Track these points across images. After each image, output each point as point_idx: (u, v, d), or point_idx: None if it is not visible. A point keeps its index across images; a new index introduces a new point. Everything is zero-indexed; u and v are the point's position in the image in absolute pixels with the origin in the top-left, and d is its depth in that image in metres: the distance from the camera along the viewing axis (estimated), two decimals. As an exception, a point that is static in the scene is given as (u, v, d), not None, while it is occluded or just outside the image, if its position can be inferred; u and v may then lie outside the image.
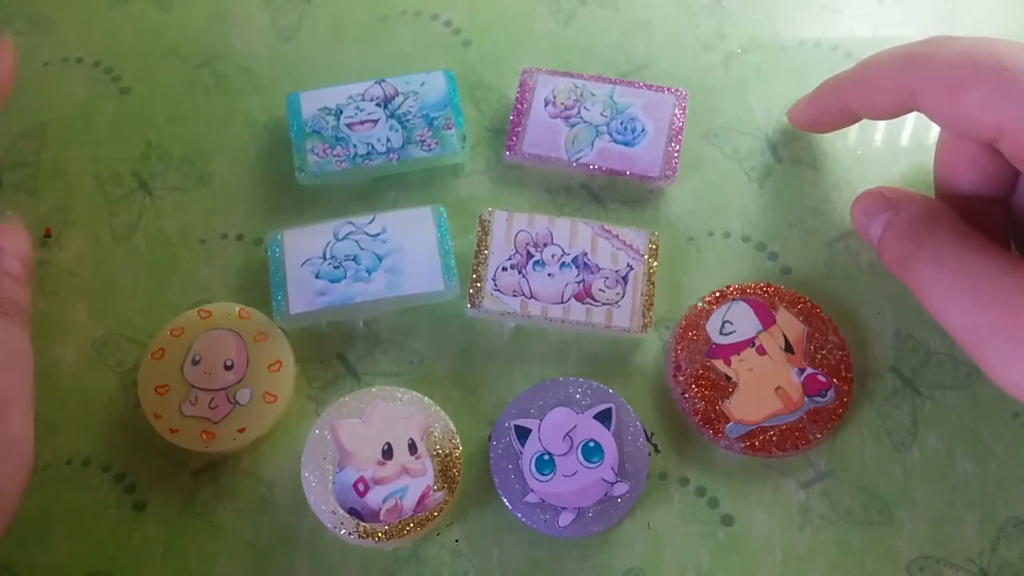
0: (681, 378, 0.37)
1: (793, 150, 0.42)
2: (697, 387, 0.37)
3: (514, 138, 0.41)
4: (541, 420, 0.36)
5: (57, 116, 0.43)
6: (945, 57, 0.33)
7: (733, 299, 0.38)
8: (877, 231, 0.36)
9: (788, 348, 0.37)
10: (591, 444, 0.35)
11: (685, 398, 0.37)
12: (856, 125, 0.43)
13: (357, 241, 0.38)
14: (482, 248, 0.38)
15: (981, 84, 0.32)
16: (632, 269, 0.38)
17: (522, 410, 0.36)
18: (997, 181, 0.36)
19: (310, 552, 0.36)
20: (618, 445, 0.35)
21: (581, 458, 0.35)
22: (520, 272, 0.38)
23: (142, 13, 0.46)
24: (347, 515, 0.34)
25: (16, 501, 0.32)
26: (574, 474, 0.35)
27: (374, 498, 0.34)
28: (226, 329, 0.37)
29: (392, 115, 0.41)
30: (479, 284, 0.37)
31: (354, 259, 0.38)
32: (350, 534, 0.34)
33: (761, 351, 0.37)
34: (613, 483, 0.35)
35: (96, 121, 0.43)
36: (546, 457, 0.35)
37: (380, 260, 0.38)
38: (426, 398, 0.36)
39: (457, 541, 0.36)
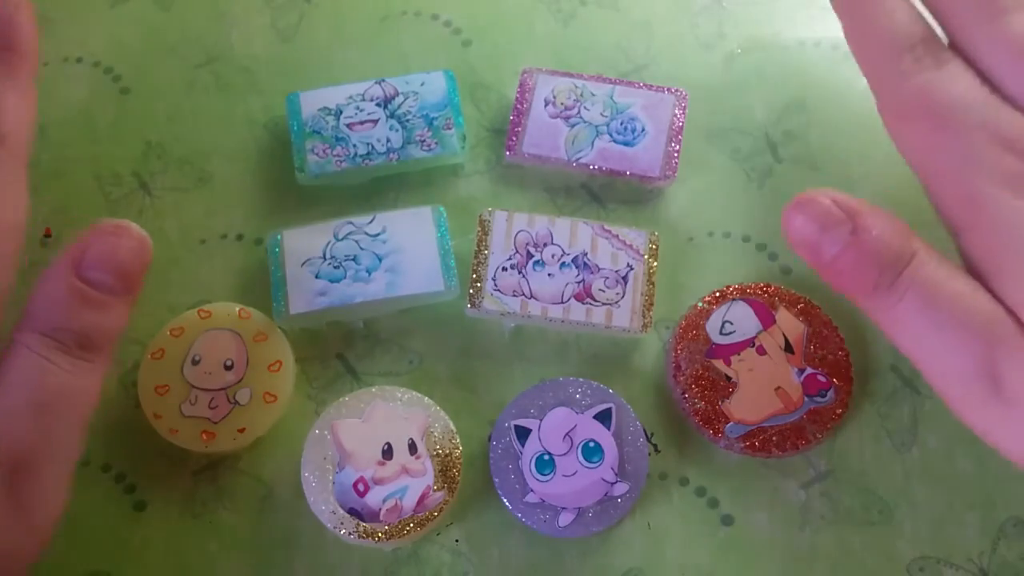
0: (681, 378, 0.37)
1: (793, 150, 0.42)
2: (697, 387, 0.37)
3: (514, 138, 0.41)
4: (541, 420, 0.36)
5: (57, 116, 0.43)
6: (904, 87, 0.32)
7: (733, 299, 0.38)
8: (832, 249, 0.30)
9: (788, 348, 0.37)
10: (591, 444, 0.35)
11: (685, 398, 0.37)
12: (855, 124, 0.43)
13: (357, 241, 0.38)
14: (482, 248, 0.38)
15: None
16: (632, 269, 0.38)
17: (522, 410, 0.36)
18: None
19: (310, 552, 0.36)
20: (618, 445, 0.35)
21: (581, 458, 0.35)
22: (520, 272, 0.38)
23: (142, 13, 0.46)
24: (347, 515, 0.34)
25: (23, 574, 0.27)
26: (574, 474, 0.35)
27: (374, 498, 0.34)
28: (226, 329, 0.37)
29: (392, 115, 0.41)
30: (479, 284, 0.37)
31: (354, 259, 0.38)
32: (350, 534, 0.34)
33: (761, 351, 0.37)
34: (613, 483, 0.35)
35: (96, 121, 0.43)
36: (546, 457, 0.35)
37: (380, 260, 0.38)
38: (426, 398, 0.36)
39: (457, 541, 0.36)
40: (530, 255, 0.38)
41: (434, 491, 0.35)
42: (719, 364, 0.37)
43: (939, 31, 0.34)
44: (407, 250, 0.38)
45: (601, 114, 0.41)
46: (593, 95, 0.42)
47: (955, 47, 0.34)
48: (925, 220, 0.41)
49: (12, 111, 0.30)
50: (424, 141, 0.40)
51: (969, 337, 0.29)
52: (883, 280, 0.30)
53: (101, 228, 0.30)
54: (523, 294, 0.37)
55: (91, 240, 0.30)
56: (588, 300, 0.37)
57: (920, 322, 0.30)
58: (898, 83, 0.33)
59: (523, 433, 0.36)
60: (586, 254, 0.38)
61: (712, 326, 0.38)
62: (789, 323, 0.38)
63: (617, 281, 0.38)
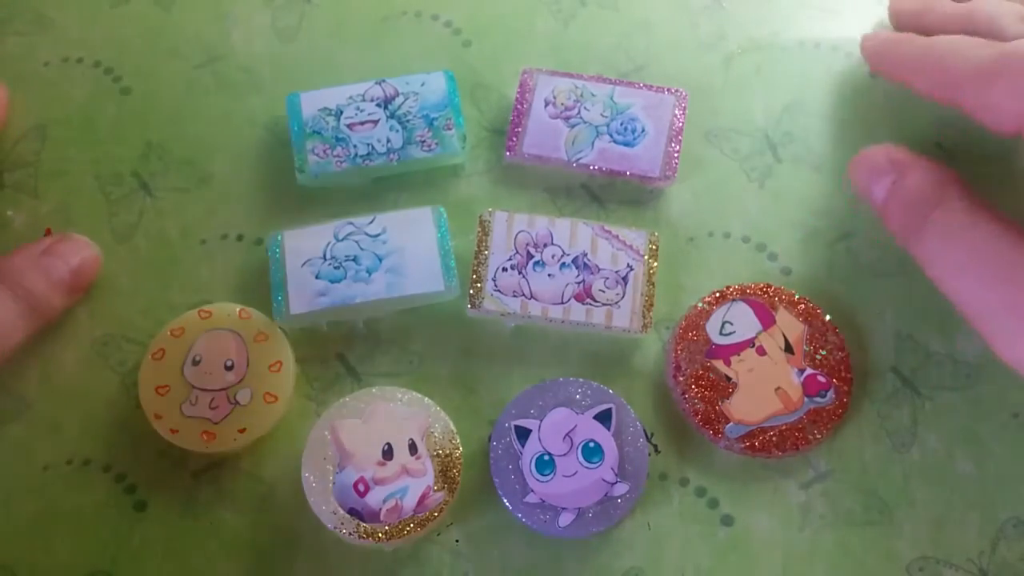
0: (681, 378, 0.37)
1: (793, 150, 0.42)
2: (697, 387, 0.37)
3: (514, 138, 0.41)
4: (541, 420, 0.36)
5: (57, 116, 0.43)
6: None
7: (733, 299, 0.38)
8: (881, 194, 0.36)
9: (788, 348, 0.37)
10: (591, 444, 0.36)
11: (685, 398, 0.37)
12: (855, 124, 0.43)
13: (357, 242, 0.38)
14: (482, 248, 0.38)
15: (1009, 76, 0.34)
16: (632, 269, 0.38)
17: (522, 410, 0.36)
18: None
19: (310, 552, 0.36)
20: (618, 445, 0.36)
21: (581, 458, 0.35)
22: (520, 272, 0.38)
23: (142, 13, 0.46)
24: (347, 515, 0.34)
25: None
26: (574, 474, 0.35)
27: (374, 498, 0.35)
28: (226, 329, 0.37)
29: (392, 115, 0.41)
30: (479, 284, 0.38)
31: (354, 259, 0.38)
32: (350, 534, 0.34)
33: (761, 351, 0.37)
34: (613, 483, 0.35)
35: (96, 121, 0.43)
36: (546, 457, 0.35)
37: (380, 260, 0.38)
38: (426, 398, 0.36)
39: (457, 541, 0.36)
40: (530, 255, 0.38)
41: (434, 491, 0.35)
42: (719, 364, 0.37)
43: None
44: (407, 250, 0.38)
45: (601, 114, 0.41)
46: (593, 95, 0.42)
47: None
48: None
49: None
50: (424, 141, 0.40)
51: (990, 277, 0.32)
52: (911, 222, 0.34)
53: (71, 237, 0.39)
54: (523, 294, 0.37)
55: (63, 239, 0.39)
56: (588, 300, 0.37)
57: (944, 261, 0.33)
58: (976, 62, 0.35)
59: (523, 433, 0.36)
60: (586, 254, 0.38)
61: (712, 326, 0.38)
62: (789, 323, 0.38)
63: (617, 281, 0.38)
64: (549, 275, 0.38)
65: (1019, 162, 0.35)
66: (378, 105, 0.41)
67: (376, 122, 0.41)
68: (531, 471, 0.35)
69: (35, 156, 0.42)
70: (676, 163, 0.41)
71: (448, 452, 0.35)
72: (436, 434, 0.36)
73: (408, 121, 0.41)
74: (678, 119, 0.41)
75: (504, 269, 0.38)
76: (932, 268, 0.34)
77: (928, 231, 0.34)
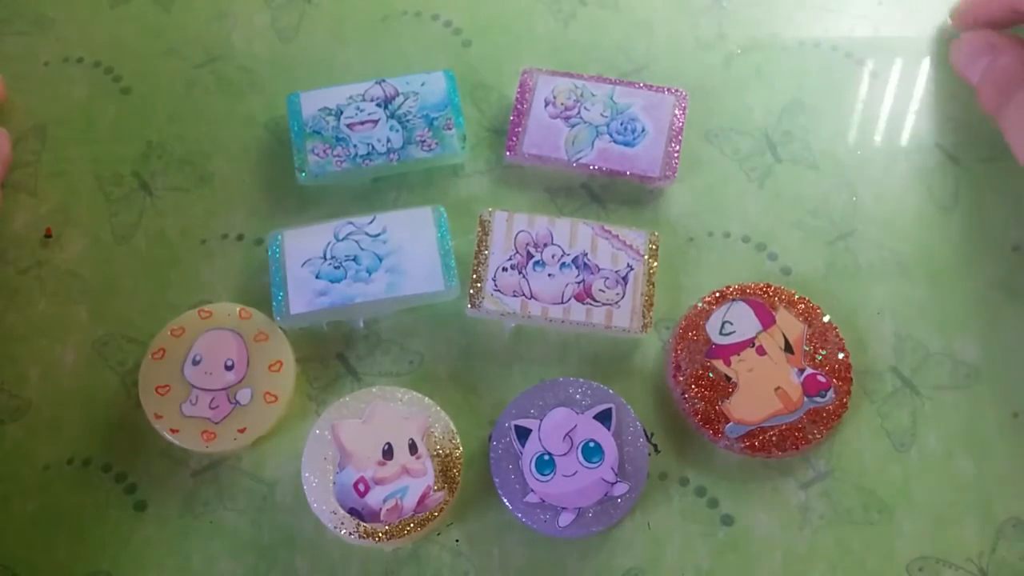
0: (681, 378, 0.37)
1: (793, 150, 0.42)
2: (697, 387, 0.37)
3: (514, 138, 0.41)
4: (541, 420, 0.36)
5: (57, 116, 0.43)
6: None
7: (733, 299, 0.38)
8: (976, 75, 0.40)
9: (788, 348, 0.37)
10: (591, 444, 0.36)
11: (685, 398, 0.37)
12: (855, 124, 0.43)
13: (357, 241, 0.38)
14: (482, 248, 0.38)
15: None
16: (632, 269, 0.38)
17: (522, 410, 0.36)
18: None
19: (311, 552, 0.36)
20: (618, 445, 0.36)
21: (581, 458, 0.35)
22: (520, 272, 0.38)
23: (142, 13, 0.46)
24: (347, 515, 0.34)
25: None
26: (574, 474, 0.35)
27: (374, 498, 0.35)
28: (227, 329, 0.37)
29: (392, 115, 0.41)
30: (479, 284, 0.38)
31: (354, 259, 0.38)
32: (350, 534, 0.34)
33: (761, 351, 0.37)
34: (613, 483, 0.35)
35: (96, 121, 0.43)
36: (546, 457, 0.35)
37: (380, 260, 0.38)
38: (426, 398, 0.36)
39: (457, 541, 0.36)
40: (530, 255, 0.38)
41: (434, 491, 0.35)
42: (719, 364, 0.37)
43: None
44: (407, 250, 0.38)
45: (601, 114, 0.41)
46: (593, 95, 0.42)
47: None
48: (921, 218, 0.42)
49: None
50: (424, 141, 0.40)
51: None
52: (1002, 100, 0.38)
53: None
54: (523, 294, 0.37)
55: None
56: (588, 300, 0.37)
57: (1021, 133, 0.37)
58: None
59: (523, 433, 0.36)
60: (586, 254, 0.38)
61: (712, 326, 0.38)
62: (789, 323, 0.38)
63: (617, 281, 0.38)
64: (549, 275, 0.38)
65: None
66: (378, 105, 0.41)
67: (376, 122, 0.41)
68: (531, 471, 0.35)
69: (35, 156, 0.42)
70: (676, 163, 0.41)
71: (448, 452, 0.35)
72: (436, 434, 0.36)
73: (408, 121, 0.41)
74: (678, 119, 0.41)
75: (504, 269, 0.38)
76: (1010, 138, 0.38)
77: (1011, 105, 0.37)
